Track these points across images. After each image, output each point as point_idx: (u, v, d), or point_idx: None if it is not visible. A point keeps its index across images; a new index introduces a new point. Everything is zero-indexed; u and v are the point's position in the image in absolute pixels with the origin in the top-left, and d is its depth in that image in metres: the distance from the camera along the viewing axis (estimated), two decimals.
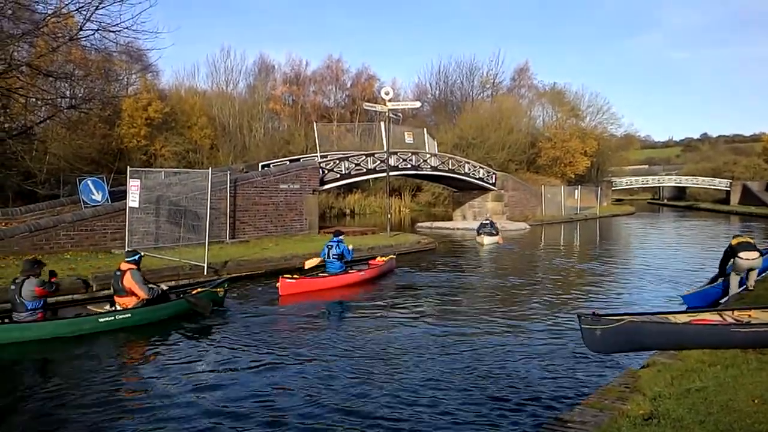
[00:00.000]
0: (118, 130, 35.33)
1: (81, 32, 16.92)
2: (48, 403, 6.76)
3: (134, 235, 16.94)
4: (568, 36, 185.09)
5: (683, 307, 10.65)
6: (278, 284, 13.25)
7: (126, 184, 17.09)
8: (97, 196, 18.45)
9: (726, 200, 64.84)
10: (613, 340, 7.00)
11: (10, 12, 16.00)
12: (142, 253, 11.54)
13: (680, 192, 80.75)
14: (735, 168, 71.35)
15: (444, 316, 11.59)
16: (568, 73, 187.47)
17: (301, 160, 29.08)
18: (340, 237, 15.32)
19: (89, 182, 18.49)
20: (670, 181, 75.88)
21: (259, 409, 6.59)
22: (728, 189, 65.92)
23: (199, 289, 11.47)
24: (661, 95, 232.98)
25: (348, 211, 47.67)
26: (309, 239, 21.65)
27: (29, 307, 9.18)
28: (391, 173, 27.25)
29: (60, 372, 8.05)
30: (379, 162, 27.65)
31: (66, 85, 23.60)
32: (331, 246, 15.02)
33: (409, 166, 30.55)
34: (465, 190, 38.07)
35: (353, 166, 27.06)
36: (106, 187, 18.76)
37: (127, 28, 16.47)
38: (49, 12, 16.58)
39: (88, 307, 10.65)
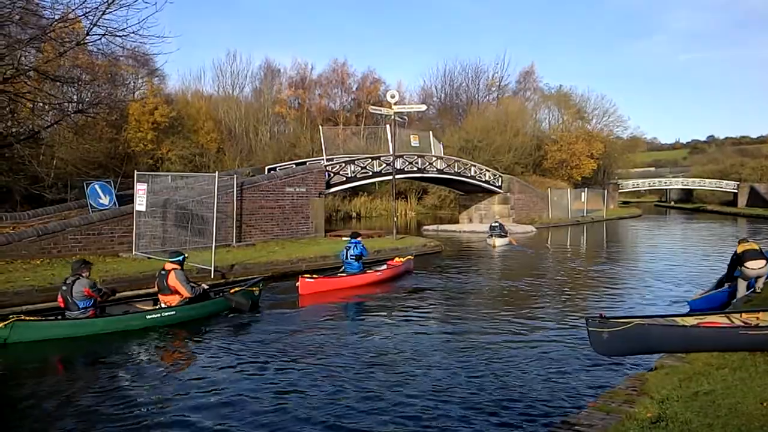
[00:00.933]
0: (125, 134, 35.45)
1: (88, 37, 16.97)
2: (100, 396, 7.08)
3: (141, 239, 16.99)
4: (573, 39, 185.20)
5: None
6: (298, 284, 13.70)
7: (133, 188, 17.18)
8: (105, 200, 18.50)
9: (733, 202, 64.53)
10: (620, 342, 6.98)
11: (17, 17, 16.06)
12: (186, 255, 11.96)
13: (687, 194, 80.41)
14: (742, 170, 70.91)
15: (452, 318, 11.68)
16: (573, 75, 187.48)
17: (307, 163, 29.10)
18: (358, 238, 15.78)
19: (96, 186, 18.55)
20: (677, 183, 75.58)
21: (272, 404, 6.83)
22: (735, 191, 65.60)
23: (236, 288, 11.97)
24: (668, 97, 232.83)
25: (354, 214, 47.66)
26: (315, 242, 21.68)
27: (81, 306, 9.81)
28: (397, 176, 27.25)
29: (110, 366, 8.40)
30: (384, 165, 27.66)
31: (73, 89, 23.72)
32: (350, 247, 15.47)
33: (414, 169, 30.55)
34: (471, 193, 38.03)
35: (359, 169, 27.07)
36: (113, 191, 18.81)
37: (133, 32, 16.47)
38: (56, 17, 16.64)
39: (135, 304, 11.27)
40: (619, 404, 5.50)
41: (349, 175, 26.61)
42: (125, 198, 18.82)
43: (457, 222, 38.80)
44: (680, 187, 77.05)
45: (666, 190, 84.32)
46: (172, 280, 10.90)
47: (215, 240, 14.87)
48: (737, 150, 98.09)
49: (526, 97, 65.79)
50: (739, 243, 11.18)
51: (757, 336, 6.94)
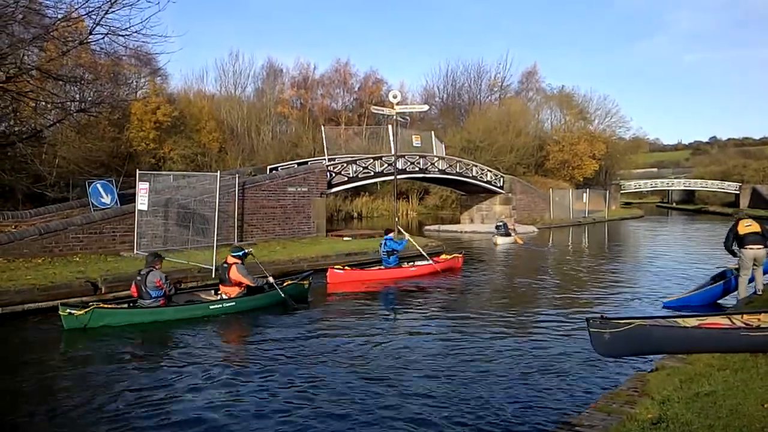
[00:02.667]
0: (127, 134, 35.51)
1: (91, 36, 17.01)
2: (163, 375, 7.92)
3: (143, 238, 17.01)
4: (576, 39, 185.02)
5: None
6: (327, 274, 15.10)
7: (135, 187, 17.19)
8: (106, 199, 18.54)
9: (735, 203, 64.39)
10: (621, 343, 6.97)
11: (20, 16, 16.10)
12: (248, 250, 12.75)
13: (689, 195, 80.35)
14: (744, 171, 70.82)
15: (452, 316, 11.74)
16: (576, 76, 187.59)
17: (309, 163, 29.10)
18: (389, 235, 16.93)
19: (98, 185, 18.58)
20: (678, 184, 75.52)
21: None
22: (737, 192, 65.53)
23: (288, 282, 12.85)
24: (670, 98, 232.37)
25: (355, 214, 47.69)
26: (317, 242, 21.68)
27: (153, 296, 10.79)
28: (398, 176, 27.25)
29: (175, 350, 9.21)
30: (386, 165, 27.64)
31: (75, 88, 23.77)
32: (382, 243, 16.78)
33: (416, 169, 30.53)
34: (473, 193, 38.01)
35: (361, 169, 27.07)
36: (115, 190, 18.84)
37: (136, 32, 16.52)
38: (59, 16, 16.69)
39: (198, 294, 12.25)
40: (620, 405, 5.50)
41: (351, 175, 26.59)
42: (127, 197, 18.85)
43: (458, 222, 38.80)
44: (682, 188, 77.00)
45: (668, 191, 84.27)
46: (234, 273, 11.80)
47: (217, 239, 14.87)
48: (739, 151, 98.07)
49: (529, 98, 65.78)
50: (739, 221, 11.31)
51: (759, 337, 6.94)
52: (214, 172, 16.36)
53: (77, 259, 15.32)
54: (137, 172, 17.58)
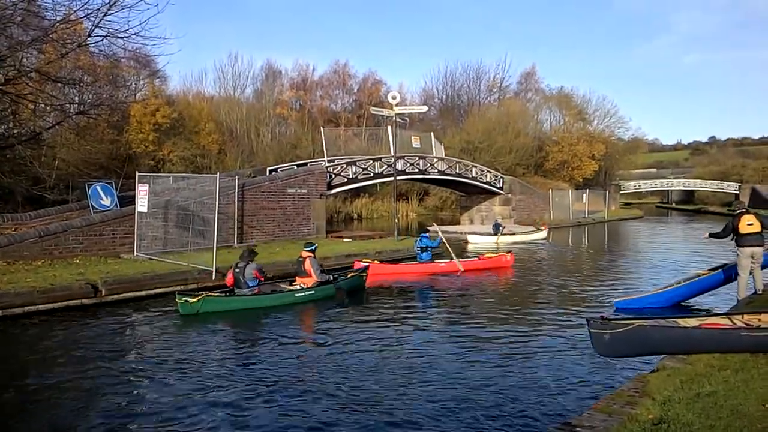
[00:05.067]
0: (127, 136, 35.50)
1: (89, 38, 16.98)
2: (257, 349, 9.53)
3: (143, 240, 17.00)
4: (575, 40, 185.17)
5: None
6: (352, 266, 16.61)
7: (134, 189, 17.18)
8: (106, 201, 18.53)
9: (733, 204, 64.34)
10: (622, 344, 6.96)
11: (19, 19, 16.08)
12: (317, 245, 14.57)
13: (688, 195, 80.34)
14: (744, 171, 70.86)
15: (452, 317, 11.84)
16: (575, 77, 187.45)
17: (309, 164, 29.11)
18: (426, 233, 19.00)
19: (98, 187, 18.57)
20: (678, 184, 75.51)
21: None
22: (737, 192, 65.43)
23: (351, 274, 14.81)
24: (669, 99, 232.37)
25: (355, 216, 47.68)
26: (316, 243, 21.60)
27: (250, 285, 12.41)
28: (398, 177, 27.25)
29: (271, 329, 10.80)
30: (386, 166, 27.65)
31: (74, 90, 23.76)
32: (418, 240, 18.63)
33: (416, 170, 30.52)
34: (472, 194, 38.02)
35: (360, 170, 27.07)
36: (114, 192, 18.83)
37: (135, 34, 16.51)
38: (58, 19, 16.68)
39: (280, 285, 13.65)
40: (621, 406, 5.49)
41: (351, 177, 26.60)
42: (126, 199, 18.84)
43: (458, 223, 38.78)
44: (681, 188, 77.00)
45: (667, 191, 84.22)
46: (307, 265, 13.44)
47: (216, 241, 14.85)
48: (739, 151, 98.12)
49: (528, 99, 65.81)
50: (741, 215, 11.15)
51: (759, 338, 6.93)
52: (214, 174, 16.34)
53: (77, 261, 15.31)
54: (137, 174, 17.58)
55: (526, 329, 10.61)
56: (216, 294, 12.16)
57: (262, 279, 12.70)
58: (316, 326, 11.38)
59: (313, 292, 13.24)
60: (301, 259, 13.77)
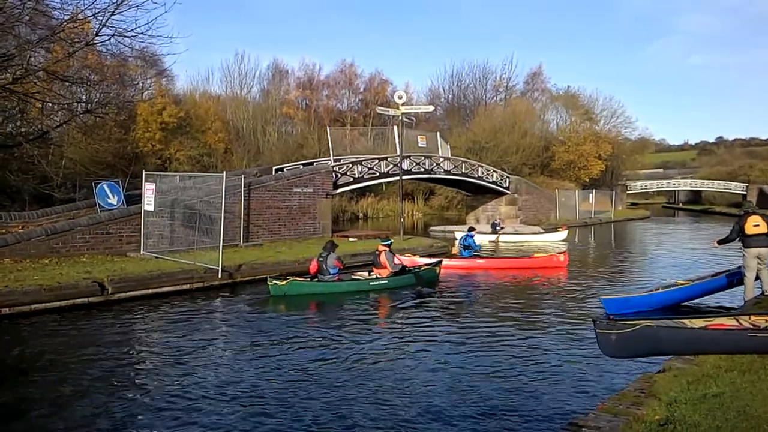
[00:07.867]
0: (134, 135, 35.57)
1: (97, 38, 17.01)
2: (335, 328, 10.74)
3: (149, 239, 17.05)
4: (581, 40, 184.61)
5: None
6: None
7: (141, 188, 17.23)
8: (113, 200, 18.56)
9: (742, 204, 64.04)
10: (628, 344, 6.94)
11: (27, 18, 16.14)
12: (392, 240, 16.53)
13: (695, 196, 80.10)
14: (751, 171, 70.57)
15: (456, 317, 11.76)
16: (581, 76, 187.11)
17: (315, 163, 29.13)
18: (470, 232, 19.76)
19: (105, 186, 18.61)
20: (685, 185, 75.31)
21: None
22: (744, 192, 65.16)
23: (424, 266, 16.23)
24: (676, 99, 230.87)
25: (361, 215, 47.69)
26: (322, 242, 21.57)
27: (331, 272, 13.98)
28: (404, 177, 27.24)
29: (347, 311, 12.39)
30: (392, 166, 27.66)
31: (82, 89, 23.76)
32: (463, 238, 19.58)
33: (422, 169, 30.52)
34: (478, 194, 37.98)
35: (366, 169, 27.08)
36: (121, 191, 18.86)
37: (142, 33, 16.51)
38: (66, 18, 16.71)
39: (355, 273, 15.26)
40: (627, 406, 5.47)
41: (357, 176, 26.62)
42: (133, 198, 18.88)
43: (464, 223, 38.70)
44: (688, 188, 76.78)
45: (674, 191, 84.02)
46: (382, 258, 14.89)
47: (223, 240, 14.88)
48: (746, 151, 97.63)
49: (534, 98, 65.76)
50: (748, 216, 11.07)
51: (766, 338, 6.90)
52: (220, 173, 16.37)
53: (84, 259, 15.36)
54: (143, 172, 17.64)
55: (529, 331, 10.59)
56: (300, 278, 13.94)
57: (342, 267, 14.17)
58: (382, 312, 12.80)
59: (386, 281, 14.73)
60: (377, 252, 15.24)
